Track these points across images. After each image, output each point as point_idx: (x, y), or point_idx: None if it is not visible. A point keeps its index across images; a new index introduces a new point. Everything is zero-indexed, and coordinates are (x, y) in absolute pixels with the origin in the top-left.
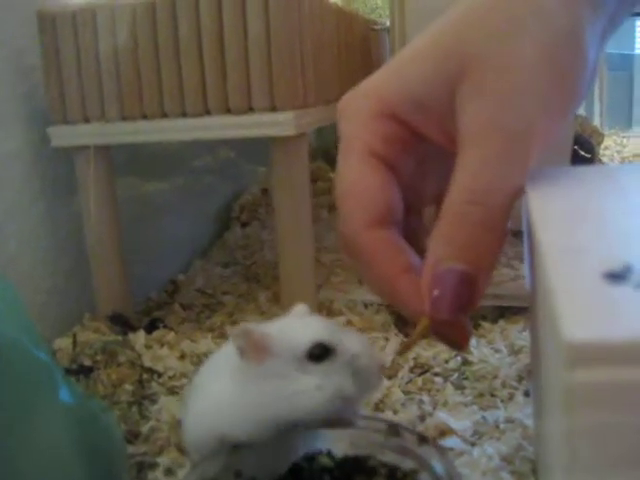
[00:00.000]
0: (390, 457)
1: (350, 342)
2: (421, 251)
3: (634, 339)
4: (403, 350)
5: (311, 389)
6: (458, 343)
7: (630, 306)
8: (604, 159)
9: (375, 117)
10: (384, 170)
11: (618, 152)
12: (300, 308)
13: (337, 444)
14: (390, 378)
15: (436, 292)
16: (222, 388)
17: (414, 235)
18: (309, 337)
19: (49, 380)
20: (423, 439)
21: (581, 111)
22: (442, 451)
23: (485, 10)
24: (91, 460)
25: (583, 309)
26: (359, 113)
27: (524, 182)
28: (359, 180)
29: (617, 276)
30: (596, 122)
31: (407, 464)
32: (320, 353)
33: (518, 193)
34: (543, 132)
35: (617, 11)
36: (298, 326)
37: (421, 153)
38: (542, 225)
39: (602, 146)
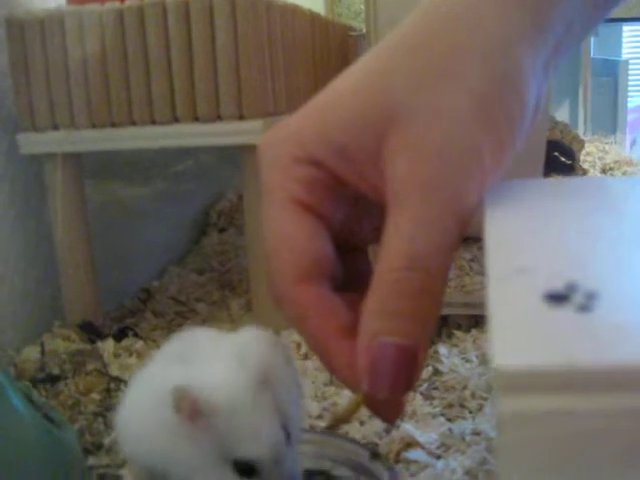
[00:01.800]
0: (343, 472)
1: (281, 470)
2: (365, 291)
3: (566, 367)
4: (333, 426)
5: None
6: (389, 418)
7: (567, 331)
8: (585, 165)
9: (295, 163)
10: (309, 218)
11: (600, 159)
12: (259, 359)
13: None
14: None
15: (374, 370)
16: (149, 425)
17: (360, 275)
18: (245, 448)
19: None
20: (375, 455)
21: (564, 117)
22: (391, 467)
23: (414, 51)
24: (45, 473)
25: (518, 334)
26: (278, 159)
27: (462, 238)
28: (283, 233)
29: (559, 297)
30: (580, 128)
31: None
32: (244, 471)
33: (457, 247)
34: (478, 184)
35: (563, 39)
36: (245, 420)
37: (349, 195)
38: (493, 245)
39: (584, 152)
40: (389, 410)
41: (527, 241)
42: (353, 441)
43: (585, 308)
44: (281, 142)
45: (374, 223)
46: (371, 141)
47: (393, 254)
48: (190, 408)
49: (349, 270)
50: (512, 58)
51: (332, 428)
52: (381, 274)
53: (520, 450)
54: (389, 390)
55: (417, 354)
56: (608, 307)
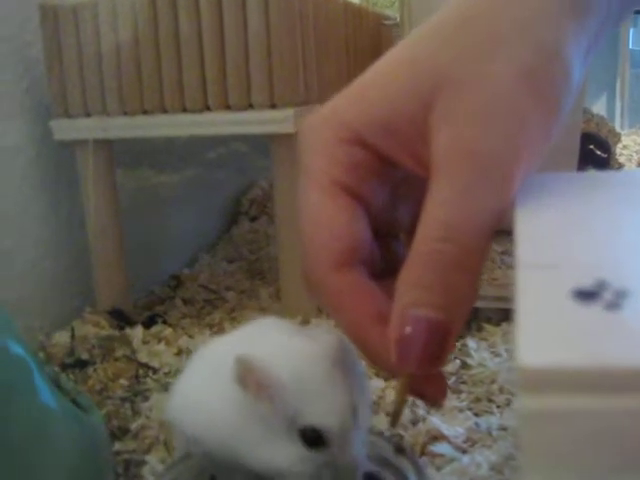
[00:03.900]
0: (370, 467)
1: (348, 443)
2: None
3: (593, 366)
4: (395, 420)
5: (286, 461)
6: (434, 398)
7: (595, 329)
8: (621, 159)
9: (337, 143)
10: (349, 202)
11: (637, 152)
12: (329, 340)
13: None
14: (386, 380)
15: (404, 343)
16: (213, 405)
17: (397, 262)
18: (313, 416)
19: (25, 378)
20: (400, 449)
21: (601, 110)
22: (416, 462)
23: (460, 25)
24: (72, 459)
25: (544, 331)
26: (319, 140)
27: (505, 212)
28: (322, 216)
29: (588, 294)
30: (617, 121)
31: (384, 473)
32: (311, 440)
33: (498, 224)
34: (525, 156)
35: (602, 27)
36: (312, 390)
37: (392, 177)
38: (522, 239)
39: (620, 146)
40: (433, 391)
41: (557, 236)
42: (377, 434)
43: (614, 306)
44: (323, 123)
45: (412, 210)
46: (417, 110)
47: (430, 223)
48: (255, 381)
49: (386, 256)
50: (558, 32)
51: (395, 424)
52: (417, 244)
53: (543, 449)
54: (417, 364)
55: (449, 329)
56: (638, 306)
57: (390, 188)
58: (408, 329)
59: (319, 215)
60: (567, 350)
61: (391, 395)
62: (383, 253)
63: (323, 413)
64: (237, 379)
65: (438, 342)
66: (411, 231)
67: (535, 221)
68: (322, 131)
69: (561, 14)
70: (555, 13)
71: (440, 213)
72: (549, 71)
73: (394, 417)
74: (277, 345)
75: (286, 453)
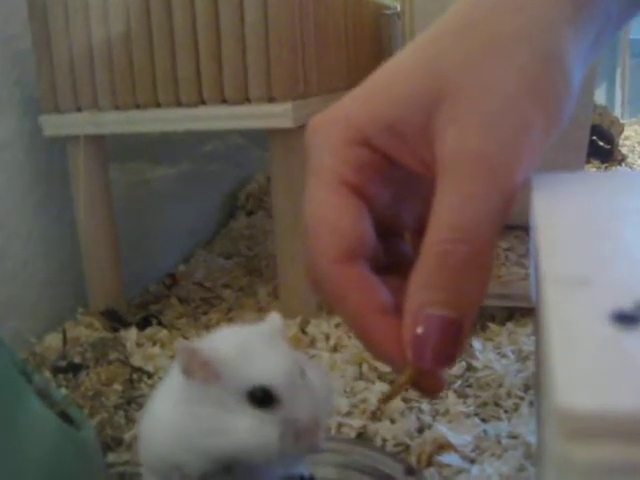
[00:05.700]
0: None
1: (301, 399)
2: (406, 276)
3: None
4: (385, 401)
5: (243, 430)
6: (432, 391)
7: None
8: (624, 150)
9: (346, 143)
10: (355, 200)
11: (639, 142)
12: (273, 319)
13: (322, 469)
14: (391, 383)
15: (419, 341)
16: (166, 411)
17: (399, 260)
18: (257, 376)
19: (12, 394)
20: (410, 470)
21: (601, 99)
22: None
23: (463, 30)
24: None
25: (585, 366)
26: (328, 140)
27: (509, 213)
28: (328, 213)
29: (628, 318)
30: (617, 110)
31: None
32: (260, 398)
33: (503, 224)
34: (527, 159)
35: (602, 32)
36: (255, 356)
37: (396, 178)
38: (547, 249)
39: (622, 136)
40: (429, 383)
41: (584, 246)
42: (384, 452)
43: None
44: (331, 124)
45: (415, 210)
46: (420, 116)
47: (439, 226)
48: (199, 362)
49: (388, 254)
50: (557, 39)
51: (385, 403)
52: (427, 246)
53: None
54: (432, 361)
55: (462, 326)
56: None
57: (394, 188)
58: (422, 328)
59: (326, 212)
60: (615, 391)
61: (395, 400)
62: (386, 252)
63: (266, 371)
64: (182, 369)
65: (451, 339)
66: (415, 230)
67: (556, 229)
68: (331, 131)
69: (561, 21)
70: (555, 20)
71: (449, 216)
72: (550, 77)
73: (387, 397)
74: (219, 333)
75: (244, 423)
